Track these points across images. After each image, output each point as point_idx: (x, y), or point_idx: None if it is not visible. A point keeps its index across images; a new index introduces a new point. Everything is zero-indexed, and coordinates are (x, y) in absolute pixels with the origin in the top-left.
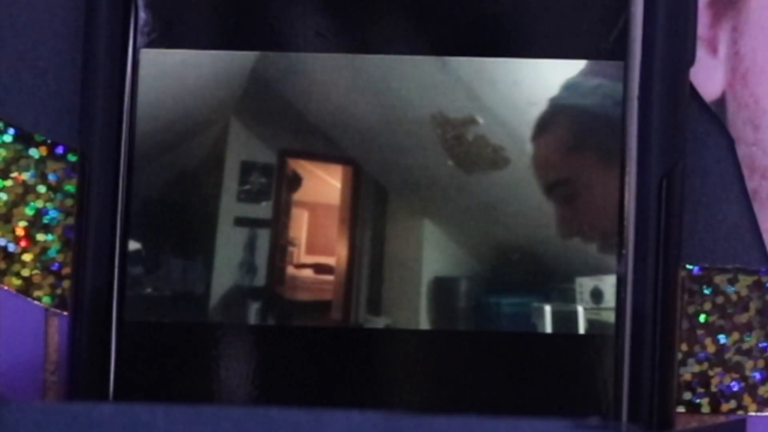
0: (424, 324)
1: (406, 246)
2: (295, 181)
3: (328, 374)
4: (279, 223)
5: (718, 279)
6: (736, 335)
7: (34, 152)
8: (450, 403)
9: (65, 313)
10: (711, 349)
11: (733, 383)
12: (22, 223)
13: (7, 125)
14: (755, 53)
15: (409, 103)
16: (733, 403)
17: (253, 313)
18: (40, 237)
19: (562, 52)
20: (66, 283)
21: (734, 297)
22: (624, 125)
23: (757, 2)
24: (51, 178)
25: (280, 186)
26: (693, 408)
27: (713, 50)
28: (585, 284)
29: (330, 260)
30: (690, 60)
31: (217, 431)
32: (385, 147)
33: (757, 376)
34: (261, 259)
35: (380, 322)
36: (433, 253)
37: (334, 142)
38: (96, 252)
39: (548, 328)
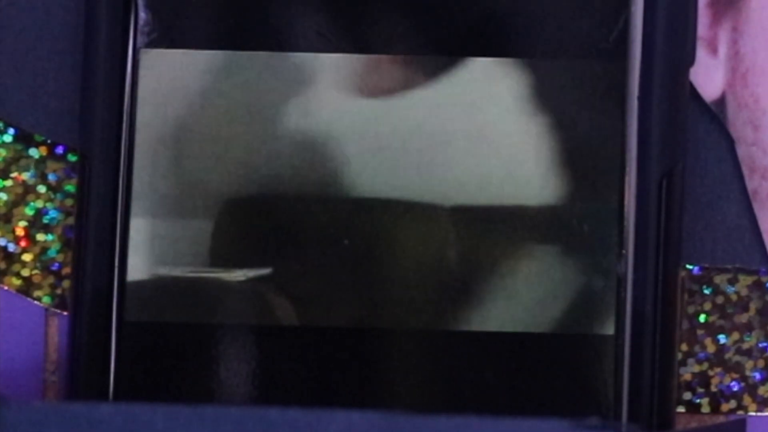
0: (424, 324)
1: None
2: None
3: (328, 374)
4: None
5: (718, 279)
6: (736, 335)
7: (34, 152)
8: (450, 403)
9: (65, 313)
10: (711, 349)
11: (733, 383)
12: (22, 223)
13: (7, 125)
14: (755, 53)
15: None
16: (733, 403)
17: (253, 313)
18: (40, 237)
19: (561, 52)
20: (66, 283)
21: (734, 297)
22: (624, 125)
23: (757, 2)
24: (51, 178)
25: None
26: (693, 408)
27: (713, 50)
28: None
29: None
30: (690, 60)
31: (217, 431)
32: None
33: (757, 376)
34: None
35: (380, 322)
36: (434, 253)
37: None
38: (96, 252)
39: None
